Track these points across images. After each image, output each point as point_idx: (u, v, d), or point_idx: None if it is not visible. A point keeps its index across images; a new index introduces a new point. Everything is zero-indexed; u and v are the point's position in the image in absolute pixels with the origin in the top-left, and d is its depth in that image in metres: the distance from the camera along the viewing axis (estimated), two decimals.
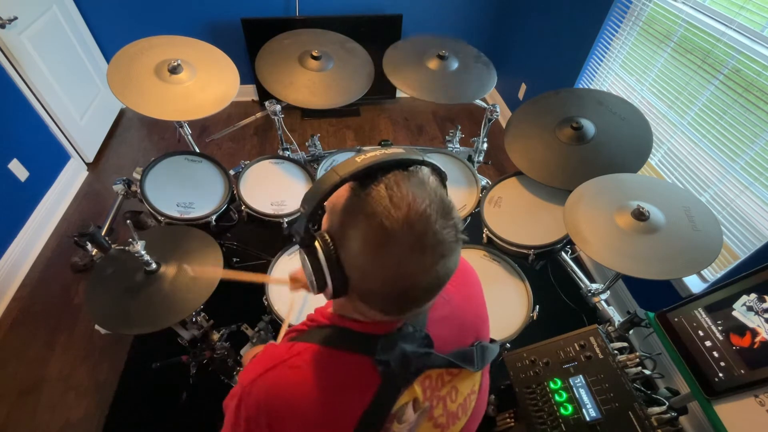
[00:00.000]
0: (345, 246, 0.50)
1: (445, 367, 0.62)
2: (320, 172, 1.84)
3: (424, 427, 0.61)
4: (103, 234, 1.38)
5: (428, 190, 0.49)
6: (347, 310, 0.59)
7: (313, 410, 0.55)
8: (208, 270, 1.20)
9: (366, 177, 0.49)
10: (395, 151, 0.50)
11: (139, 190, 1.55)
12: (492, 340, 0.73)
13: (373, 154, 0.49)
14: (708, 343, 0.99)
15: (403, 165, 0.50)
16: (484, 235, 1.55)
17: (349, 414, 0.55)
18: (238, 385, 0.58)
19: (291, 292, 1.07)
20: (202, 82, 1.56)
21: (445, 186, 0.54)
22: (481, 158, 2.04)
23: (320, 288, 0.54)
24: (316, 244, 0.51)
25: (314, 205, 0.49)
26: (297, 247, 0.56)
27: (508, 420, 1.20)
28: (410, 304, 0.52)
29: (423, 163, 0.51)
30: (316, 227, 0.55)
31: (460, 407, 0.65)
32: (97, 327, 1.10)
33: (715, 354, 0.97)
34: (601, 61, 2.29)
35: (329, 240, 0.51)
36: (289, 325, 1.25)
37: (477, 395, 0.69)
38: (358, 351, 0.57)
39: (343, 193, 0.51)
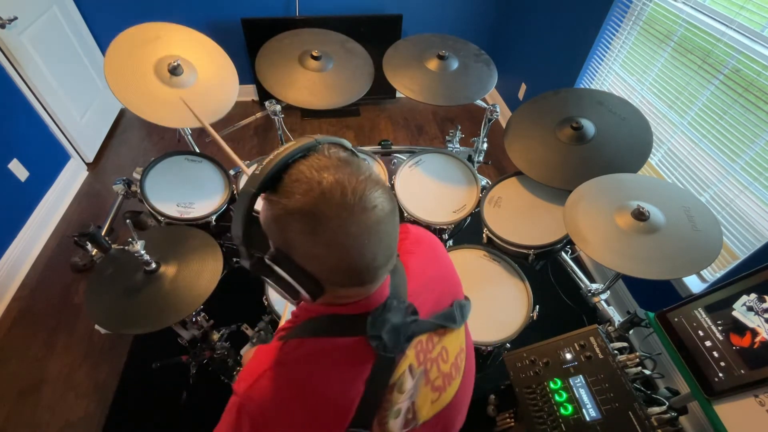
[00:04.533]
0: (292, 248, 0.52)
1: (432, 330, 0.65)
2: None
3: (424, 391, 0.63)
4: (103, 234, 1.38)
5: (330, 163, 0.50)
6: (329, 298, 0.59)
7: (315, 401, 0.56)
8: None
9: (272, 181, 0.50)
10: (288, 146, 0.52)
11: (139, 190, 1.55)
12: (465, 298, 0.75)
13: (269, 159, 0.50)
14: (708, 343, 0.99)
15: (300, 155, 0.51)
16: (484, 235, 1.55)
17: (352, 393, 0.57)
18: (235, 395, 0.58)
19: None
20: (202, 87, 1.56)
21: (352, 152, 0.55)
22: (481, 158, 2.03)
23: (295, 296, 0.56)
24: (268, 263, 0.53)
25: (241, 232, 0.53)
26: None
27: (508, 420, 1.20)
28: (375, 264, 0.53)
29: (318, 143, 0.53)
30: (260, 250, 0.57)
31: (453, 366, 0.68)
32: (97, 327, 1.10)
33: (715, 354, 0.97)
34: (601, 61, 2.29)
35: (277, 253, 0.53)
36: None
37: (465, 353, 0.72)
38: (350, 333, 0.58)
39: (264, 206, 0.53)
